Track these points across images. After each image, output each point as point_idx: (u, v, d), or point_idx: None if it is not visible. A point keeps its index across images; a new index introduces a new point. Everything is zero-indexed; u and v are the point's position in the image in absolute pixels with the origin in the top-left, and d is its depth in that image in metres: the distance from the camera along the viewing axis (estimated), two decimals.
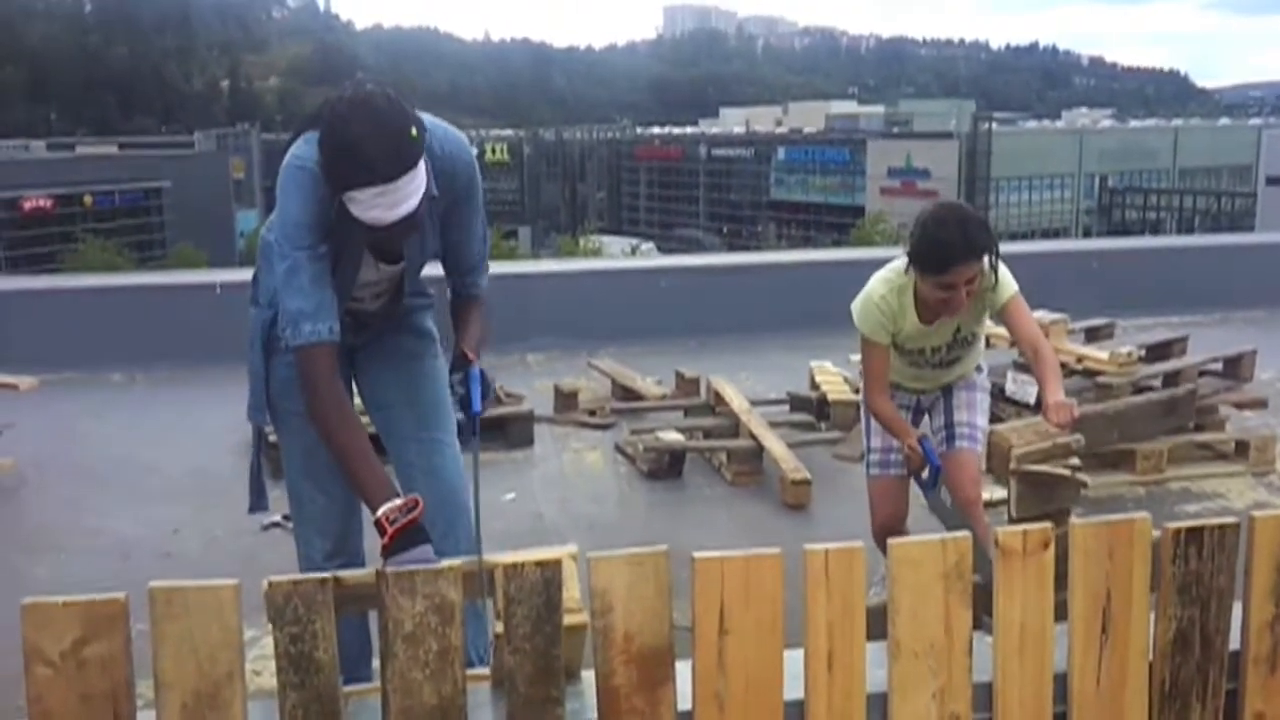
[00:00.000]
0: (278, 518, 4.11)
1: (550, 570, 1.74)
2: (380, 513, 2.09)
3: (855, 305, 3.20)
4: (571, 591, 1.87)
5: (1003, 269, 3.06)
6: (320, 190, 2.22)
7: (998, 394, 4.58)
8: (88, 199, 67.78)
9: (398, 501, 2.10)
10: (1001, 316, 3.14)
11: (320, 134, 2.16)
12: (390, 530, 2.06)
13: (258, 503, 2.79)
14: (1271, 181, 58.91)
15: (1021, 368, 4.88)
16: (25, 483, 4.88)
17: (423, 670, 1.71)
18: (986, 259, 2.97)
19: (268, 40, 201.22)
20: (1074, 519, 2.01)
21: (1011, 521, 2.58)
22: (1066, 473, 2.67)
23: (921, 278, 3.01)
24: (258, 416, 2.66)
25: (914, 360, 3.27)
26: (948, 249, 2.92)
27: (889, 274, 3.17)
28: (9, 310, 7.05)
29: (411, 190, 2.14)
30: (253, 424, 2.70)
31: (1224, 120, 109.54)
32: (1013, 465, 2.66)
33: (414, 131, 2.13)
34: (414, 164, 2.13)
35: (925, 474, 3.22)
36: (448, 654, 1.71)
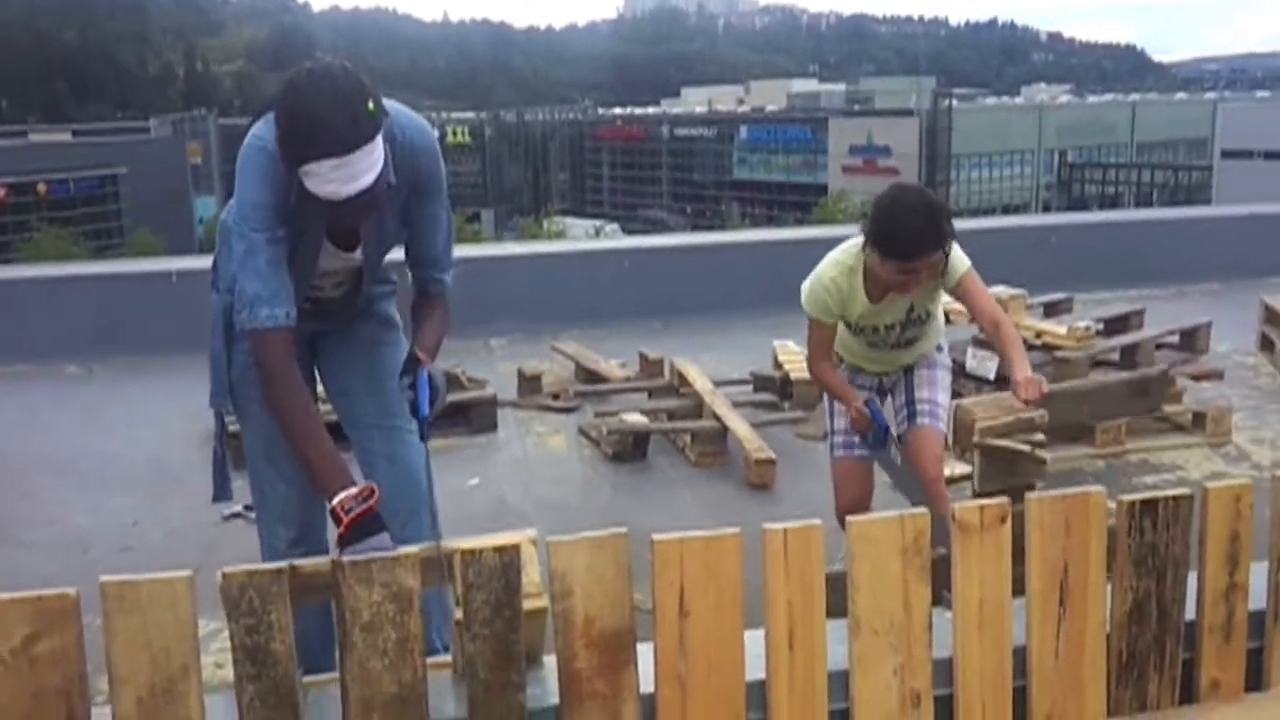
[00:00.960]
0: (239, 508, 4.07)
1: (509, 555, 1.74)
2: (335, 502, 2.07)
3: (804, 286, 3.21)
4: (531, 576, 1.87)
5: (955, 248, 3.05)
6: (279, 172, 2.19)
7: (958, 370, 4.61)
8: (42, 187, 66.67)
9: (353, 490, 2.08)
10: (956, 294, 3.14)
11: (277, 105, 2.14)
12: (346, 519, 2.04)
13: (221, 491, 2.76)
14: (1227, 155, 59.69)
15: (980, 343, 4.91)
16: None
17: (382, 659, 1.70)
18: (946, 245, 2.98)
19: (224, 23, 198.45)
20: (1032, 494, 2.02)
21: (975, 496, 2.60)
22: (1026, 448, 2.68)
23: (881, 260, 3.00)
24: (219, 403, 2.63)
25: (871, 340, 3.28)
26: (916, 239, 2.91)
27: (841, 255, 3.17)
28: None
29: (369, 164, 2.11)
30: (215, 411, 2.67)
31: (1180, 95, 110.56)
32: (976, 439, 2.66)
33: (371, 105, 2.11)
34: (371, 136, 2.11)
35: (870, 435, 3.26)
36: (407, 642, 1.70)
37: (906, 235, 2.92)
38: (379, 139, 2.14)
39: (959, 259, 3.07)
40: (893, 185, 3.18)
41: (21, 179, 65.77)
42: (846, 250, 3.17)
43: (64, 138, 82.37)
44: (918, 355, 3.37)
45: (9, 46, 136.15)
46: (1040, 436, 2.76)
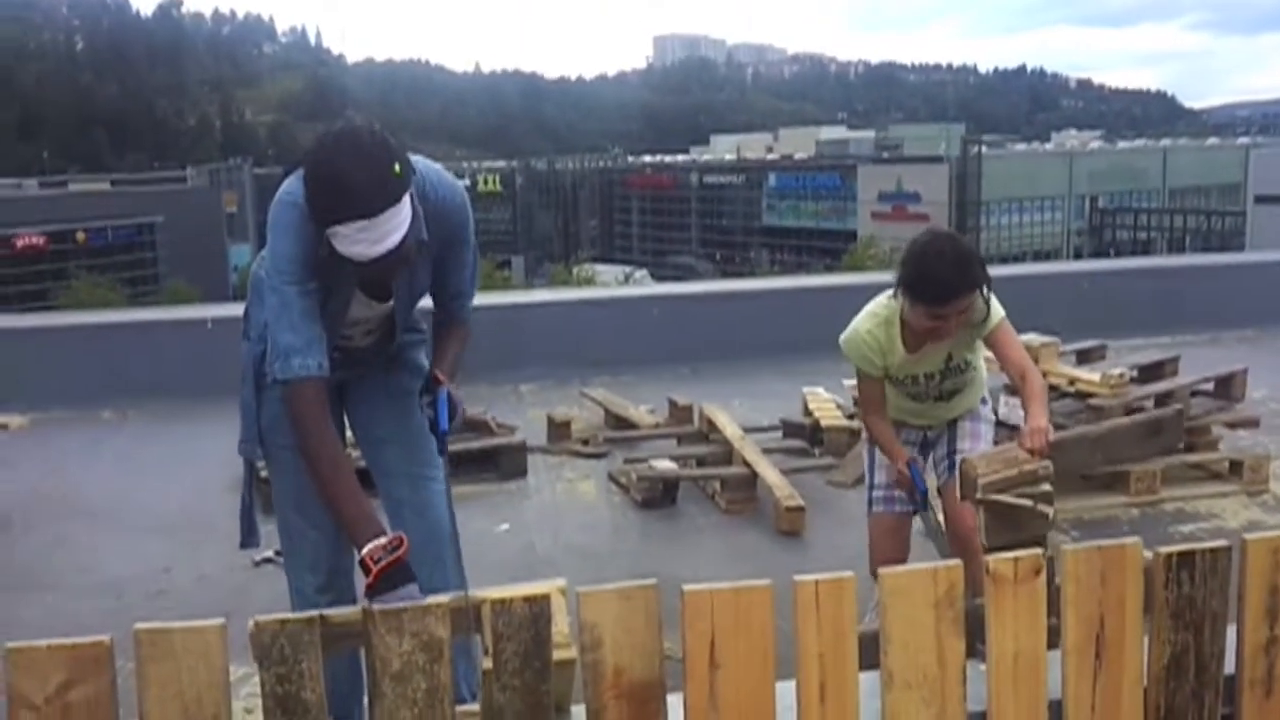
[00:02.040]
0: (269, 553, 4.09)
1: (539, 605, 1.73)
2: (365, 551, 2.08)
3: (843, 340, 3.21)
4: (560, 626, 1.86)
5: (992, 297, 3.05)
6: (309, 226, 2.23)
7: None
8: (81, 235, 67.79)
9: (382, 540, 2.09)
10: (988, 342, 3.14)
11: (305, 168, 2.18)
12: (375, 569, 2.04)
13: (249, 538, 2.78)
14: (1260, 200, 59.22)
15: (1013, 390, 4.88)
16: (15, 522, 4.85)
17: (411, 709, 1.70)
18: (979, 291, 2.97)
19: (260, 75, 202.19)
20: (1067, 545, 2.00)
21: (987, 551, 2.57)
22: (1027, 503, 2.64)
23: (912, 306, 3.00)
24: (249, 451, 2.66)
25: (912, 393, 3.26)
26: (946, 285, 2.90)
27: (876, 307, 3.18)
28: None
29: (394, 226, 2.15)
30: (244, 458, 2.70)
31: (1212, 140, 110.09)
32: (978, 494, 2.64)
33: (398, 167, 2.14)
34: (397, 199, 2.13)
35: (915, 495, 3.26)
36: (436, 692, 1.70)
37: (937, 281, 2.91)
38: (405, 200, 2.17)
39: (995, 308, 3.07)
40: (925, 230, 3.18)
41: (61, 227, 66.90)
42: (880, 303, 3.18)
43: (103, 187, 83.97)
44: (962, 409, 3.35)
45: (52, 99, 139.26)
46: (1046, 488, 2.72)
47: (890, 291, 3.11)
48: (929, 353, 3.14)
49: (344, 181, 2.10)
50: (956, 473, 3.25)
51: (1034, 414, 2.89)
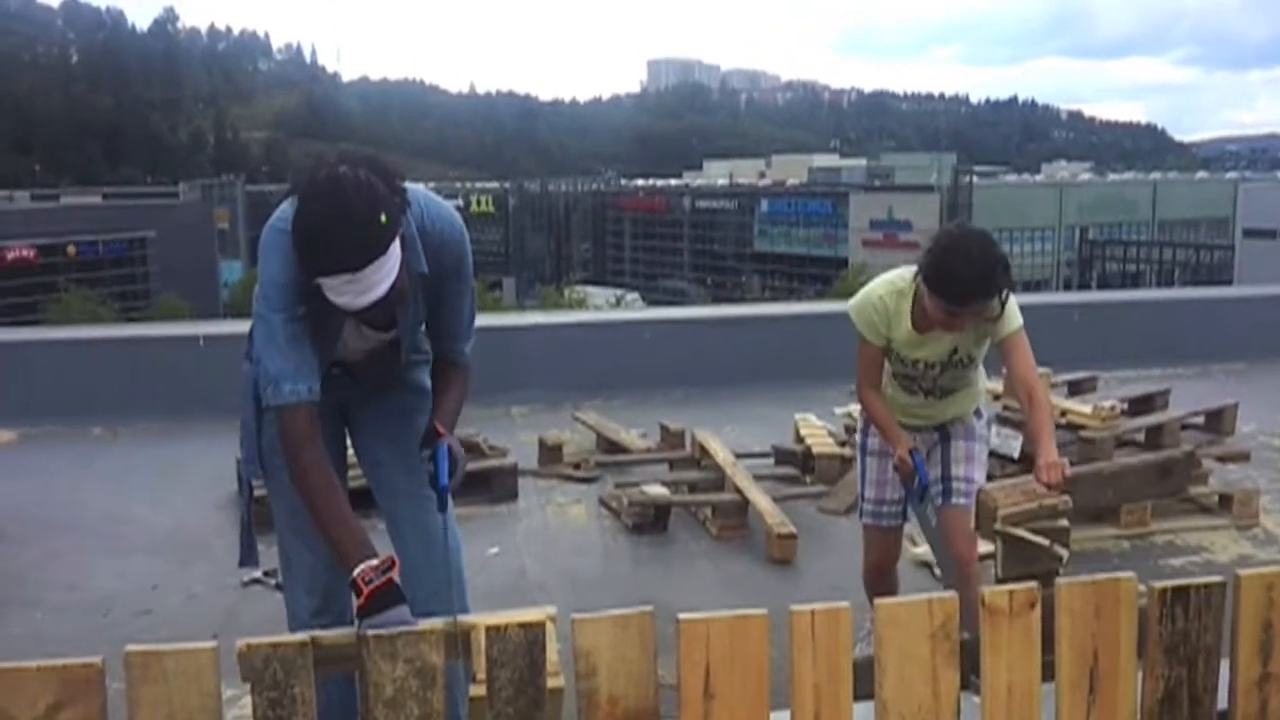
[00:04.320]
0: (258, 574, 4.07)
1: (534, 632, 1.73)
2: (355, 573, 2.07)
3: (853, 302, 3.17)
4: (549, 654, 1.85)
5: (1012, 301, 3.00)
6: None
7: None
8: (71, 249, 67.60)
9: (374, 562, 2.08)
10: (1001, 349, 3.08)
11: (292, 216, 2.18)
12: (366, 591, 2.03)
13: (248, 557, 2.76)
14: (1249, 234, 59.68)
15: (1005, 421, 4.89)
16: (3, 537, 4.81)
17: None
18: (998, 297, 2.94)
19: (254, 92, 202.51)
20: (1060, 578, 2.00)
21: (999, 581, 2.57)
22: (1044, 542, 2.64)
23: (930, 296, 2.95)
24: (250, 471, 2.65)
25: (907, 384, 3.22)
26: (966, 286, 2.86)
27: (894, 277, 3.14)
28: None
29: (380, 277, 2.14)
30: (245, 478, 2.69)
31: (1201, 174, 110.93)
32: (997, 526, 2.63)
33: (384, 217, 2.12)
34: (382, 251, 2.12)
35: (914, 484, 3.19)
36: (430, 719, 1.69)
37: (959, 282, 2.86)
38: (393, 247, 2.15)
39: (1013, 314, 3.02)
40: (957, 224, 3.14)
41: (52, 241, 66.74)
42: (901, 274, 3.13)
43: (95, 201, 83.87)
44: (954, 415, 3.29)
45: (45, 112, 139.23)
46: (1064, 523, 2.72)
47: (912, 268, 3.07)
48: (936, 337, 3.08)
49: (327, 237, 2.09)
50: (954, 499, 3.23)
51: (1045, 446, 2.85)
